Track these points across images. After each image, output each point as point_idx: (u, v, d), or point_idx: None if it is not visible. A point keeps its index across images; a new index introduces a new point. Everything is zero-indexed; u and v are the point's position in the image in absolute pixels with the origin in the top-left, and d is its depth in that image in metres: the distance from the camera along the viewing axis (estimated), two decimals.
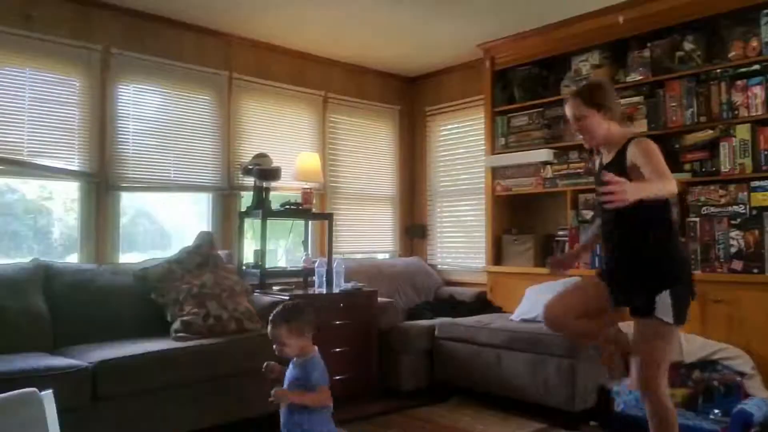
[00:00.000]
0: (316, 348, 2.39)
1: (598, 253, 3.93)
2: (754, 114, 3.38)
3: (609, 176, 2.04)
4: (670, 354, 2.39)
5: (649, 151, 2.28)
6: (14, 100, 3.49)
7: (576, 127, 2.52)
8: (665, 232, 2.39)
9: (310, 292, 3.93)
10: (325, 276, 3.97)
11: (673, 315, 2.29)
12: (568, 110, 2.51)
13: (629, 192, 1.98)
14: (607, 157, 2.49)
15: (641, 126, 3.81)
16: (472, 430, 3.23)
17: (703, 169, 3.59)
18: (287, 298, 3.65)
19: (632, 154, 2.33)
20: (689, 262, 2.70)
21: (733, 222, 3.41)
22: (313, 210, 4.36)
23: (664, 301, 2.29)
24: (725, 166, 3.46)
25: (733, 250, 3.40)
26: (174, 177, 4.12)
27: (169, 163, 4.10)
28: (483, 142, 4.73)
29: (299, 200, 4.26)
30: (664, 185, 2.16)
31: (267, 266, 4.09)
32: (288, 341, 2.31)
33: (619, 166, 2.35)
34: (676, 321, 2.30)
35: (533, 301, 4.01)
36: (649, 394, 2.34)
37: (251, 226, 4.28)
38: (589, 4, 3.90)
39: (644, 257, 2.37)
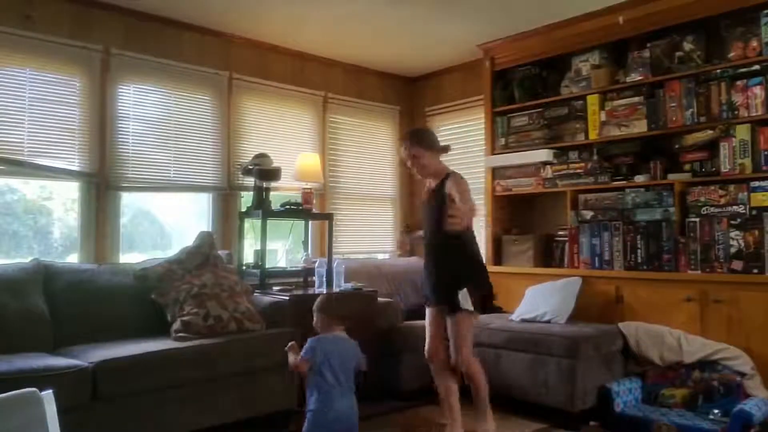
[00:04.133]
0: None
1: (598, 253, 3.95)
2: (753, 114, 3.39)
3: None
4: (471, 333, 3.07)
5: (463, 188, 2.96)
6: (14, 100, 3.49)
7: (411, 164, 3.08)
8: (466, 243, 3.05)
9: (310, 292, 3.92)
10: (325, 276, 3.97)
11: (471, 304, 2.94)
12: (404, 151, 3.09)
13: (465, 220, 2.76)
14: (433, 185, 3.10)
15: (641, 126, 3.82)
16: (472, 430, 3.22)
17: (703, 170, 3.59)
18: (287, 298, 3.65)
19: (449, 186, 2.97)
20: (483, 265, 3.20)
21: (733, 222, 3.41)
22: (313, 210, 4.36)
23: (464, 296, 2.94)
24: (725, 167, 3.47)
25: (733, 250, 3.40)
26: (174, 177, 4.13)
27: (169, 163, 4.10)
28: (483, 142, 4.74)
29: (299, 200, 4.26)
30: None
31: (267, 266, 4.08)
32: None
33: (440, 193, 3.01)
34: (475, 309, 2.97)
35: (533, 301, 4.01)
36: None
37: (251, 226, 4.28)
38: (589, 4, 3.90)
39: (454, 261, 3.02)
